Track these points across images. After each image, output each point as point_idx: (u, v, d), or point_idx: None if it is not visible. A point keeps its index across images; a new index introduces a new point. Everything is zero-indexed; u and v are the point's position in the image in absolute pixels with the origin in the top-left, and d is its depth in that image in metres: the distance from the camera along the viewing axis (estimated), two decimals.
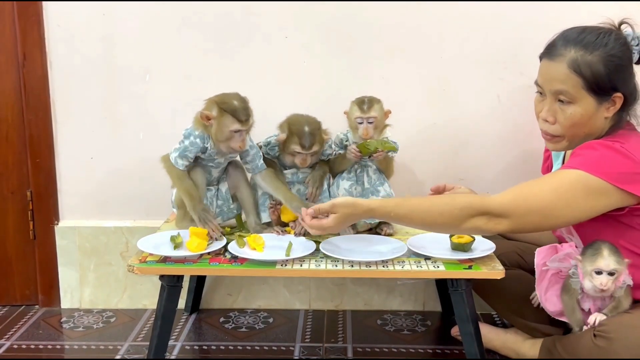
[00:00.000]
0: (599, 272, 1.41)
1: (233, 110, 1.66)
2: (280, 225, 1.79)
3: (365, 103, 1.75)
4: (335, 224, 1.46)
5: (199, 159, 1.75)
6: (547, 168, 1.78)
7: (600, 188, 1.39)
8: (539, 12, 1.91)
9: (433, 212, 1.44)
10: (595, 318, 1.43)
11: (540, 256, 1.52)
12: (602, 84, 1.45)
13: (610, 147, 1.42)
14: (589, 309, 1.48)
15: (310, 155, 1.77)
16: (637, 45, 1.49)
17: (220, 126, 1.67)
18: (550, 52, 1.50)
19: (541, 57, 1.54)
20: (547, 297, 1.53)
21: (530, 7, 1.92)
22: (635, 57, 1.50)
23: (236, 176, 1.83)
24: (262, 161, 1.79)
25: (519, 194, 1.42)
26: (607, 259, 1.41)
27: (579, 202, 1.40)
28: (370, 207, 1.45)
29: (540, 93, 1.54)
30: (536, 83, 1.55)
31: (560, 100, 1.49)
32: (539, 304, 1.61)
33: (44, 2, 1.97)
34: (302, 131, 1.74)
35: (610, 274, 1.41)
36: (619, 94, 1.47)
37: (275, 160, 1.85)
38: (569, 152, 1.65)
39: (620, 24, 1.51)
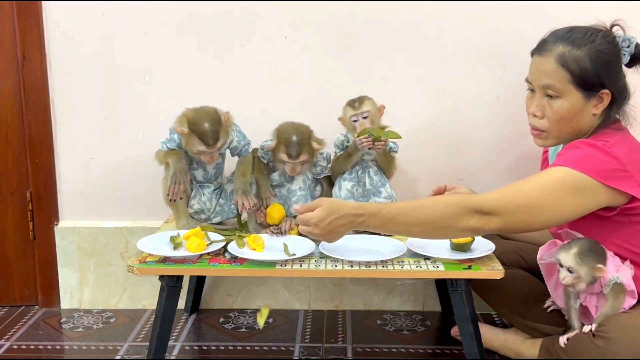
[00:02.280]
0: (561, 265, 1.45)
1: (201, 133, 1.69)
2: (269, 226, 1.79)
3: (355, 101, 1.80)
4: (321, 216, 1.38)
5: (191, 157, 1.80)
6: None
7: (586, 185, 1.40)
8: (539, 12, 1.91)
9: (426, 207, 1.42)
10: (590, 328, 1.43)
11: (541, 252, 1.54)
12: (589, 79, 1.47)
13: (593, 146, 1.44)
14: (583, 304, 1.49)
15: (300, 164, 1.77)
16: (628, 47, 1.51)
17: (189, 144, 1.72)
18: (540, 48, 1.54)
19: (532, 54, 1.57)
20: (558, 294, 1.55)
21: (530, 7, 1.92)
22: (625, 59, 1.52)
23: None
24: (247, 148, 1.83)
25: (507, 192, 1.42)
26: (567, 255, 1.43)
27: (566, 199, 1.40)
28: (359, 204, 1.43)
29: (532, 90, 1.57)
30: (527, 80, 1.58)
31: (548, 95, 1.52)
32: (547, 307, 1.62)
33: (43, 2, 1.97)
34: (289, 140, 1.74)
35: (570, 270, 1.43)
36: (606, 91, 1.49)
37: (269, 164, 1.85)
38: None
39: (612, 25, 1.53)
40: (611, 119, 1.52)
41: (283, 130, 1.77)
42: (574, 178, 1.40)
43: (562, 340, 1.48)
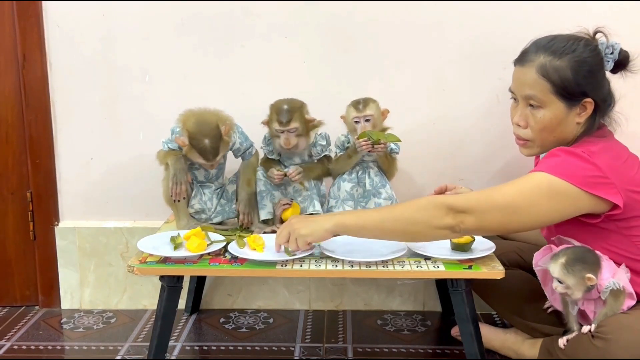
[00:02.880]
0: (552, 275, 1.46)
1: (200, 150, 1.70)
2: (281, 222, 1.79)
3: (360, 103, 1.79)
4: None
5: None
6: None
7: (564, 191, 1.40)
8: (539, 12, 1.91)
9: (401, 205, 1.51)
10: (589, 328, 1.43)
11: (537, 258, 1.54)
12: (570, 89, 1.47)
13: (572, 153, 1.44)
14: (581, 309, 1.49)
15: (295, 136, 1.76)
16: (612, 53, 1.51)
17: (190, 155, 1.74)
18: (521, 58, 1.54)
19: (514, 64, 1.57)
20: (555, 298, 1.55)
21: (529, 7, 1.92)
22: (609, 65, 1.52)
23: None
24: (251, 150, 1.85)
25: (484, 193, 1.46)
26: (555, 266, 1.44)
27: (542, 203, 1.41)
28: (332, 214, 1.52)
29: (515, 99, 1.58)
30: (510, 90, 1.58)
31: (531, 105, 1.52)
32: (546, 307, 1.62)
33: (44, 2, 1.97)
34: (280, 108, 1.76)
35: (560, 281, 1.44)
36: (589, 100, 1.49)
37: (274, 159, 1.85)
38: None
39: (595, 33, 1.53)
40: (595, 126, 1.52)
41: (275, 103, 1.80)
42: (551, 182, 1.41)
43: (562, 341, 1.49)
